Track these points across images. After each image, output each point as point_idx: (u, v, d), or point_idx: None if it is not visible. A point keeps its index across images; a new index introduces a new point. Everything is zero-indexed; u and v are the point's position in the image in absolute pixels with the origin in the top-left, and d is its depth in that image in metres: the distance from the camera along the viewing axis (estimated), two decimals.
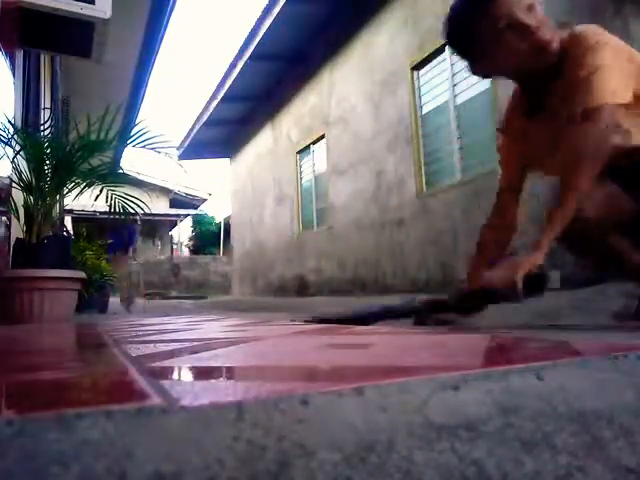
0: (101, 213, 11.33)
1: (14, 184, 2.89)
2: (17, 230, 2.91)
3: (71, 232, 5.32)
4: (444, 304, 1.56)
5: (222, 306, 6.11)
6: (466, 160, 5.10)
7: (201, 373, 0.68)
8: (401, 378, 0.50)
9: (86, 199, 3.42)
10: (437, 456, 0.39)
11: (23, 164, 2.87)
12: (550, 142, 1.42)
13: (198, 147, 11.61)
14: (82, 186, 3.06)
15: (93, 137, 2.88)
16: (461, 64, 5.13)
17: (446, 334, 1.16)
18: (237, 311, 4.35)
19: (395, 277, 6.08)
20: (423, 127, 5.77)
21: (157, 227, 18.67)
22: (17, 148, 2.79)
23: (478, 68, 1.49)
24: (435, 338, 1.07)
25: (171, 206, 19.15)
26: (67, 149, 2.86)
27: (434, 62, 5.58)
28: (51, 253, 2.75)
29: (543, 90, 1.43)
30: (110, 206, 3.23)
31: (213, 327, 1.73)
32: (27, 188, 2.82)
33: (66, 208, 5.32)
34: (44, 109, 4.06)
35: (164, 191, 18.50)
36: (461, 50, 1.47)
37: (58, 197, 3.16)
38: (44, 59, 4.58)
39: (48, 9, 3.23)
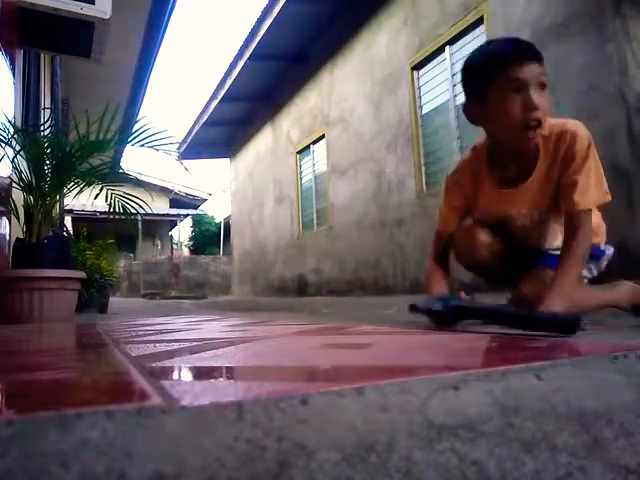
0: (101, 213, 11.36)
1: (14, 184, 2.89)
2: (17, 230, 2.91)
3: (71, 232, 5.33)
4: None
5: (222, 306, 6.11)
6: None
7: (201, 373, 0.68)
8: (401, 378, 0.50)
9: (86, 199, 3.42)
10: (437, 456, 0.39)
11: (23, 164, 2.87)
12: (526, 202, 1.55)
13: (198, 147, 11.61)
14: (82, 186, 3.06)
15: (93, 137, 2.87)
16: (461, 64, 5.16)
17: (446, 334, 1.16)
18: (237, 311, 4.35)
19: (395, 277, 6.08)
20: (423, 127, 5.77)
21: (157, 227, 18.67)
22: (17, 148, 2.79)
23: (474, 110, 1.48)
24: (435, 338, 1.07)
25: (171, 206, 19.15)
26: (67, 149, 2.86)
27: (434, 62, 5.58)
28: (51, 253, 2.75)
29: (515, 162, 1.53)
30: (110, 205, 3.23)
31: (213, 327, 1.73)
32: (27, 188, 2.82)
33: (66, 208, 5.32)
34: (44, 109, 4.06)
35: (164, 191, 18.51)
36: (473, 83, 1.47)
37: (58, 197, 3.16)
38: (44, 59, 4.58)
39: (48, 9, 3.23)
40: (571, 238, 1.44)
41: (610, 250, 1.73)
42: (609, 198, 1.51)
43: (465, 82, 1.50)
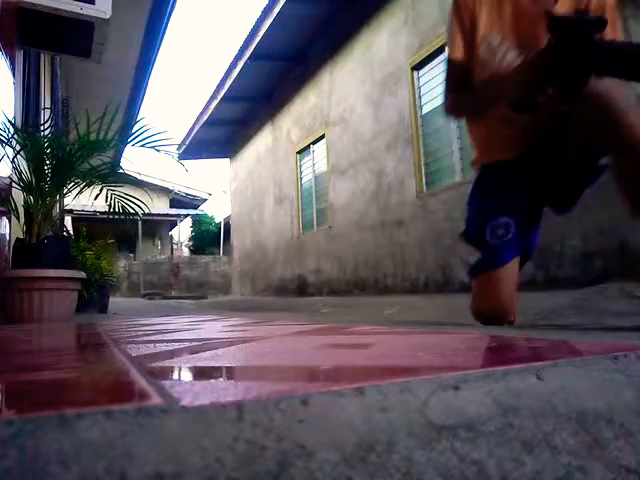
0: (101, 213, 11.36)
1: (14, 184, 2.89)
2: (17, 230, 2.91)
3: (71, 232, 5.32)
4: None
5: (222, 306, 6.12)
6: (466, 160, 5.11)
7: (201, 373, 0.68)
8: (401, 378, 0.49)
9: (86, 199, 3.42)
10: (437, 456, 0.39)
11: (23, 164, 2.87)
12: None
13: (198, 147, 11.61)
14: (82, 186, 3.06)
15: (93, 137, 2.88)
16: None
17: (446, 334, 1.16)
18: (237, 311, 4.35)
19: (395, 277, 6.08)
20: (423, 127, 5.77)
21: (157, 227, 18.67)
22: (17, 148, 2.79)
23: None
24: (435, 338, 1.07)
25: (171, 206, 19.15)
26: (67, 149, 2.86)
27: (434, 62, 5.58)
28: (51, 253, 2.75)
29: None
30: (110, 206, 3.23)
31: (213, 327, 1.73)
32: (27, 188, 2.82)
33: (66, 208, 5.32)
34: (44, 109, 4.06)
35: (164, 191, 18.51)
36: None
37: (58, 197, 3.16)
38: (44, 59, 4.58)
39: (48, 9, 3.23)
40: None
41: None
42: None
43: None
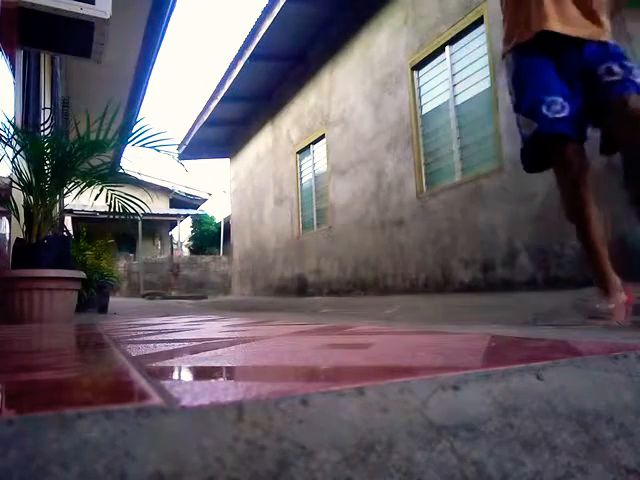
0: (101, 213, 11.35)
1: (14, 184, 2.89)
2: (17, 230, 2.91)
3: (71, 232, 5.33)
4: None
5: (222, 306, 6.11)
6: (466, 160, 5.11)
7: (201, 373, 0.68)
8: (401, 378, 0.49)
9: (86, 199, 3.42)
10: (437, 456, 0.39)
11: (23, 164, 2.87)
12: None
13: (198, 147, 11.61)
14: (82, 186, 3.06)
15: (93, 137, 2.88)
16: (461, 64, 5.15)
17: (446, 334, 1.16)
18: (237, 311, 4.35)
19: (395, 277, 6.08)
20: (423, 127, 5.77)
21: (157, 227, 18.67)
22: (17, 148, 2.79)
23: None
24: (435, 338, 1.07)
25: (171, 206, 19.15)
26: (67, 149, 2.86)
27: (434, 62, 5.58)
28: (51, 253, 2.75)
29: None
30: (110, 206, 3.23)
31: (213, 327, 1.73)
32: (27, 188, 2.82)
33: (66, 208, 5.32)
34: (44, 109, 4.06)
35: (164, 191, 18.50)
36: None
37: (58, 197, 3.16)
38: (44, 59, 4.58)
39: (48, 9, 3.23)
40: None
41: None
42: None
43: None
